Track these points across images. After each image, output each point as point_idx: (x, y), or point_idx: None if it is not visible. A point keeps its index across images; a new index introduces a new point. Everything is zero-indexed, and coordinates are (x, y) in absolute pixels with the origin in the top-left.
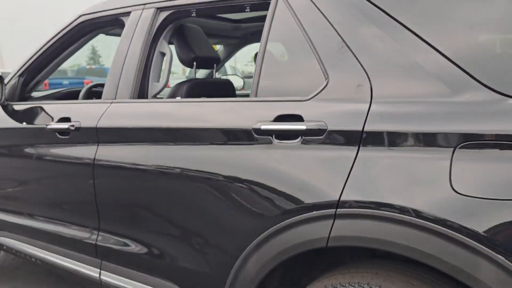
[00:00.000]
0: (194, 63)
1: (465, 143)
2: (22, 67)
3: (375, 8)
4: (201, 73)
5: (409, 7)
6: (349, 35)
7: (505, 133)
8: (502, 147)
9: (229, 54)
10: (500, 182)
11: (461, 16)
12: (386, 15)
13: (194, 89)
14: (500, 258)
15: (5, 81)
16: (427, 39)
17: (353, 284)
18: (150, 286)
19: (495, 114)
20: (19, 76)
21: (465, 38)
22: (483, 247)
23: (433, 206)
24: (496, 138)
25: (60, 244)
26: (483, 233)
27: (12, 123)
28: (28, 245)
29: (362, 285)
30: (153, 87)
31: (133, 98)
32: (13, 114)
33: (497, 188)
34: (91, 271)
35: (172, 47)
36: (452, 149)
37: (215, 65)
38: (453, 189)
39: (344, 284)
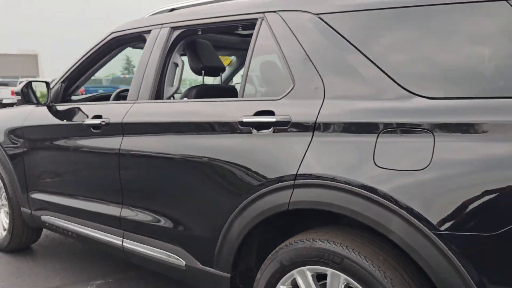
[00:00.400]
0: (203, 71)
1: (385, 130)
2: (64, 75)
3: (335, 32)
4: (217, 81)
5: (358, 34)
6: (312, 51)
7: (411, 122)
8: (409, 132)
9: (241, 64)
10: (407, 158)
11: (389, 40)
12: (341, 37)
13: (200, 93)
14: (403, 212)
15: (50, 86)
16: (367, 55)
17: (309, 239)
18: (161, 249)
19: (405, 108)
20: (61, 82)
21: (390, 52)
22: (392, 205)
23: (361, 176)
24: (406, 126)
25: (90, 219)
26: (392, 195)
27: (55, 120)
28: (65, 221)
29: (315, 240)
30: (167, 90)
31: (151, 99)
32: (56, 113)
33: (405, 163)
34: (116, 240)
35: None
36: (376, 134)
37: (221, 73)
38: (375, 163)
39: (302, 240)
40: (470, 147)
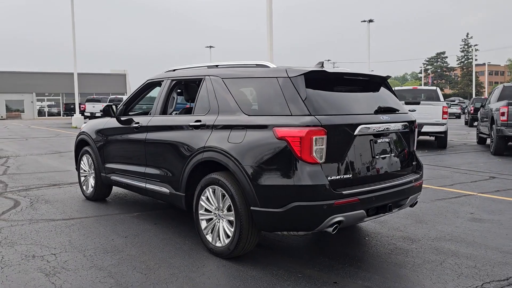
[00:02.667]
0: (189, 101)
1: (233, 128)
2: (125, 101)
3: (225, 86)
4: None
5: (231, 87)
6: (217, 93)
7: (241, 124)
8: (239, 128)
9: None
10: (237, 138)
11: (237, 90)
12: (227, 88)
13: (186, 112)
14: (233, 158)
15: (118, 107)
16: (233, 95)
17: (210, 175)
18: (160, 186)
19: (241, 119)
20: (124, 105)
21: (238, 95)
22: (231, 156)
23: (224, 146)
24: (239, 126)
25: (132, 174)
26: (231, 152)
27: (118, 125)
28: (121, 178)
29: (212, 174)
30: (169, 110)
31: (160, 114)
32: (120, 121)
33: (236, 140)
34: (142, 184)
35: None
36: (230, 129)
37: None
38: (228, 141)
39: (209, 175)
40: (257, 134)
